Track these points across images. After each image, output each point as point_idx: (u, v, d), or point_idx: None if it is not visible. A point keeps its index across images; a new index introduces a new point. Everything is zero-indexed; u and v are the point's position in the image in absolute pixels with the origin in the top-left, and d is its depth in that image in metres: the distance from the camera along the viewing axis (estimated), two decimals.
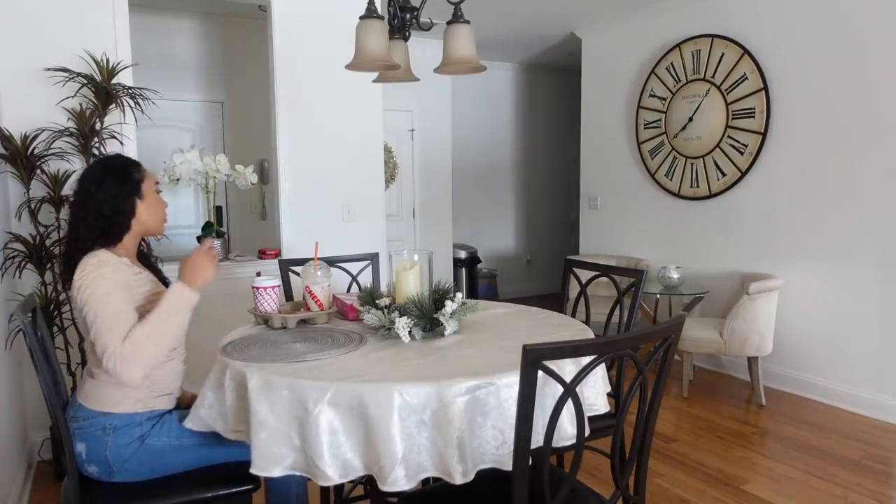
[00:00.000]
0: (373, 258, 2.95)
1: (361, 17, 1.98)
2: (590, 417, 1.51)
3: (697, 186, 4.61)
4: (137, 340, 1.63)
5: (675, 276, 4.28)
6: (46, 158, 2.93)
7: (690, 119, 4.59)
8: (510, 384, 1.45)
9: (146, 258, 1.99)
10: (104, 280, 1.67)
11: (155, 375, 1.80)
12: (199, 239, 3.54)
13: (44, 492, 2.82)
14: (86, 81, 2.98)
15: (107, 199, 1.78)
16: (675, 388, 4.11)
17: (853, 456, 3.11)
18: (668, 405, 3.84)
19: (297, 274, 2.44)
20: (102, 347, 1.63)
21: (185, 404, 1.95)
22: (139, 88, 3.11)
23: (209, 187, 3.37)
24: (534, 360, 1.18)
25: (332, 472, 1.42)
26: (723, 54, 4.32)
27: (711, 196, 4.51)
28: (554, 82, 7.58)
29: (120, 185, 1.81)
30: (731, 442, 3.30)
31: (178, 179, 3.30)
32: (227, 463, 1.82)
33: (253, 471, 1.47)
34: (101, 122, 3.01)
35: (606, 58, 5.44)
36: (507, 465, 1.39)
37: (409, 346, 1.77)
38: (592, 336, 1.83)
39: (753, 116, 4.16)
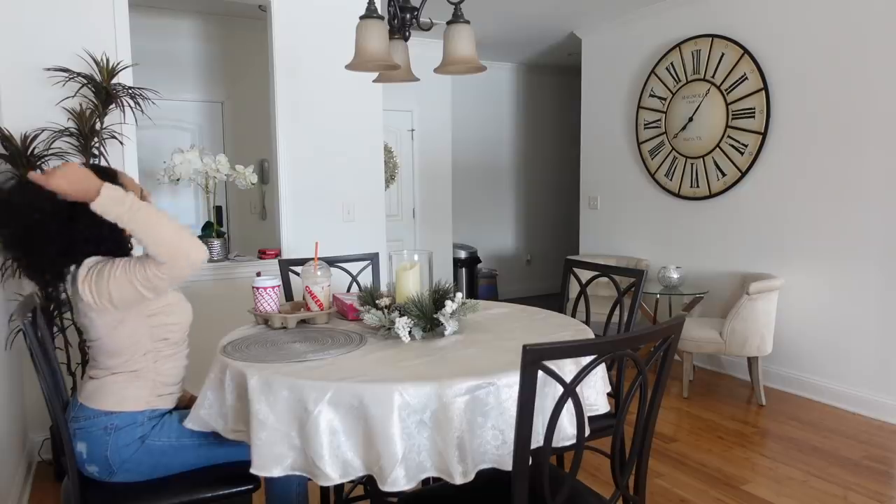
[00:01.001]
0: (373, 258, 2.95)
1: (361, 17, 1.98)
2: (590, 417, 1.51)
3: (697, 186, 4.61)
4: (165, 247, 1.62)
5: (675, 276, 4.28)
6: (46, 158, 2.93)
7: (690, 119, 4.59)
8: (510, 384, 1.45)
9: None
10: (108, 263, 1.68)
11: (160, 368, 1.80)
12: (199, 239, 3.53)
13: (44, 492, 2.82)
14: (86, 81, 2.98)
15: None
16: (675, 388, 4.11)
17: (853, 456, 3.11)
18: (668, 405, 3.84)
19: (297, 274, 2.44)
20: (153, 275, 1.64)
21: (184, 404, 1.96)
22: (139, 88, 3.10)
23: (209, 187, 3.37)
24: (534, 360, 1.18)
25: (332, 472, 1.42)
26: (723, 54, 4.32)
27: (711, 196, 4.51)
28: (554, 82, 7.58)
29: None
30: (731, 442, 3.30)
31: (178, 179, 3.30)
32: (227, 463, 1.82)
33: (253, 471, 1.47)
34: (101, 122, 3.01)
35: (606, 58, 5.44)
36: (507, 465, 1.39)
37: (409, 347, 1.77)
38: (592, 336, 1.83)
39: (753, 116, 4.16)
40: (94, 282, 1.66)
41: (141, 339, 1.75)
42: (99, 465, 1.72)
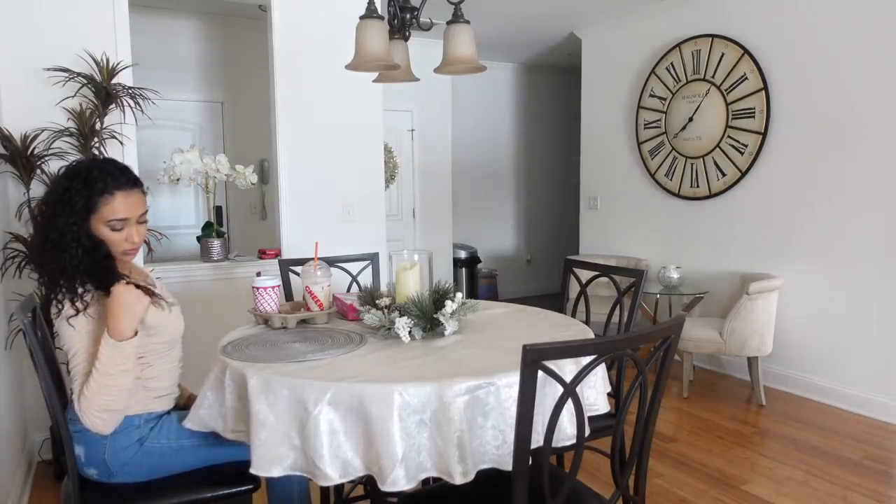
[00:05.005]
0: (373, 258, 2.95)
1: (361, 17, 1.98)
2: (590, 417, 1.51)
3: (697, 186, 4.61)
4: (88, 399, 1.61)
5: (675, 276, 4.28)
6: (46, 158, 2.93)
7: (690, 119, 4.59)
8: (510, 384, 1.45)
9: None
10: (69, 328, 1.64)
11: (151, 380, 1.79)
12: (199, 239, 3.54)
13: (44, 492, 2.82)
14: (86, 81, 2.98)
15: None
16: (675, 388, 4.11)
17: (853, 456, 3.11)
18: (668, 405, 3.84)
19: (297, 274, 2.43)
20: (73, 393, 1.66)
21: (184, 403, 1.95)
22: (139, 88, 3.10)
23: (209, 187, 3.37)
24: (534, 360, 1.18)
25: (332, 472, 1.42)
26: (723, 54, 4.32)
27: (711, 196, 4.51)
28: (554, 82, 7.58)
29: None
30: (731, 442, 3.30)
31: (178, 179, 3.30)
32: (227, 463, 1.82)
33: (253, 471, 1.47)
34: (101, 122, 3.01)
35: (606, 58, 5.44)
36: (508, 465, 1.39)
37: (409, 346, 1.77)
38: (592, 336, 1.83)
39: (753, 116, 4.16)
40: (59, 330, 1.66)
41: None
42: (98, 467, 1.71)
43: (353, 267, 2.96)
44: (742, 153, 4.26)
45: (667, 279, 4.29)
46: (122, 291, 1.62)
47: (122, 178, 1.70)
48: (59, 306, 1.64)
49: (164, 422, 1.80)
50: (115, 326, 1.61)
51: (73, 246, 1.62)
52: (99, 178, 1.65)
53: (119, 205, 1.67)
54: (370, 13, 1.97)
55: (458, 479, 1.39)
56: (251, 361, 1.63)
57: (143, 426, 1.75)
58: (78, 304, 1.63)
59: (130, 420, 1.73)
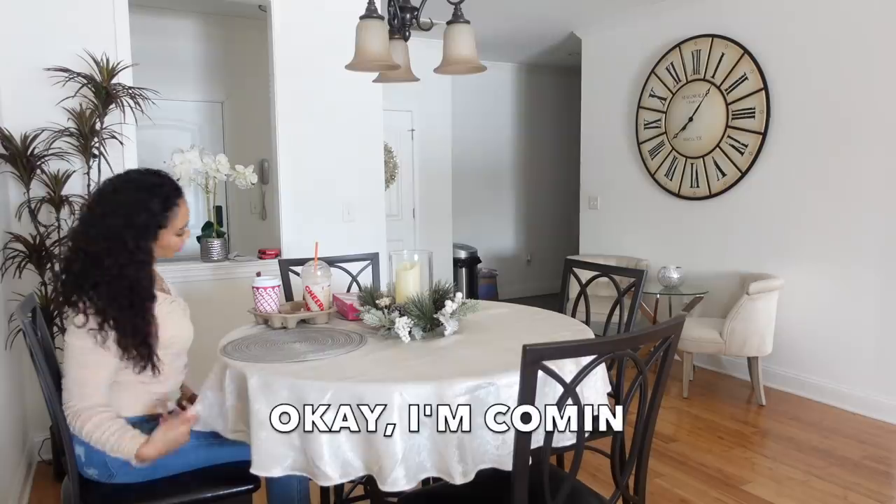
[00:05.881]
0: (373, 258, 2.95)
1: (361, 17, 1.98)
2: None
3: (697, 186, 4.61)
4: (83, 429, 1.62)
5: (675, 276, 4.28)
6: (46, 158, 2.93)
7: (690, 119, 4.59)
8: (510, 384, 1.45)
9: None
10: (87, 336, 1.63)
11: (154, 384, 1.79)
12: (199, 239, 3.53)
13: (44, 492, 2.82)
14: (86, 81, 2.98)
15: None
16: (675, 388, 4.11)
17: (853, 456, 3.11)
18: (668, 405, 3.84)
19: (297, 274, 2.44)
20: (65, 400, 1.65)
21: (185, 401, 1.95)
22: (139, 88, 3.10)
23: (209, 187, 3.37)
24: (534, 360, 1.18)
25: (332, 472, 1.42)
26: (723, 54, 4.32)
27: (711, 196, 4.51)
28: (554, 82, 7.58)
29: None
30: (731, 442, 3.30)
31: (178, 179, 3.27)
32: (227, 463, 1.81)
33: (253, 471, 1.47)
34: (101, 122, 3.01)
35: (606, 58, 5.44)
36: (507, 465, 1.39)
37: (409, 347, 1.77)
38: (592, 336, 1.83)
39: (753, 116, 4.16)
40: (66, 343, 1.65)
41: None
42: (98, 467, 1.71)
43: (353, 267, 2.96)
44: (742, 153, 4.26)
45: (667, 279, 4.29)
46: (180, 433, 1.64)
47: (176, 185, 1.79)
48: (83, 316, 1.63)
49: None
50: (149, 454, 1.62)
51: (131, 261, 1.66)
52: (171, 191, 1.74)
53: (183, 211, 1.78)
54: (370, 13, 1.98)
55: (458, 479, 1.39)
56: (251, 361, 1.63)
57: (144, 427, 1.75)
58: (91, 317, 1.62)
59: (130, 421, 1.73)
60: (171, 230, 1.75)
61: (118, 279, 1.64)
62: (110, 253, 1.64)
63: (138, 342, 1.67)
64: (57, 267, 2.94)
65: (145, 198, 1.69)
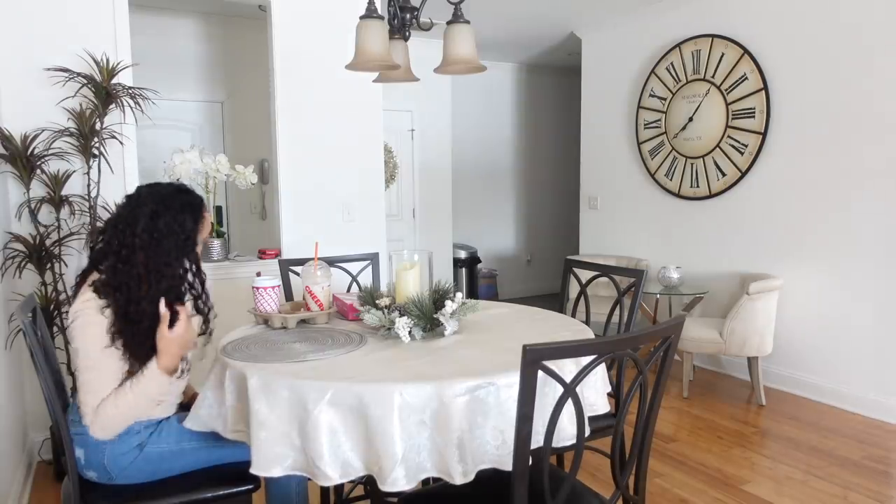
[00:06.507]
0: (373, 258, 2.95)
1: (361, 17, 1.98)
2: (590, 417, 1.51)
3: (697, 186, 4.61)
4: (107, 415, 1.63)
5: (675, 276, 4.28)
6: (46, 158, 2.93)
7: (690, 119, 4.59)
8: (510, 384, 1.45)
9: None
10: (94, 328, 1.64)
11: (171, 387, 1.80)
12: None
13: (44, 492, 2.82)
14: (86, 81, 2.98)
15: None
16: (675, 388, 4.11)
17: (853, 456, 3.11)
18: (668, 405, 3.84)
19: (297, 274, 2.44)
20: (80, 403, 1.66)
21: (187, 400, 1.95)
22: (139, 88, 3.10)
23: (209, 187, 3.37)
24: (534, 360, 1.18)
25: (332, 472, 1.42)
26: (723, 54, 4.32)
27: (711, 196, 4.51)
28: (554, 82, 7.58)
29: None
30: (731, 442, 3.30)
31: (178, 179, 3.30)
32: (227, 463, 1.81)
33: (253, 471, 1.47)
34: (101, 122, 3.01)
35: (606, 58, 5.44)
36: (507, 465, 1.39)
37: (409, 347, 1.77)
38: (592, 336, 1.83)
39: (753, 116, 4.16)
40: (74, 325, 1.65)
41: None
42: (97, 470, 1.71)
43: (353, 267, 2.96)
44: (742, 153, 4.26)
45: (667, 279, 4.29)
46: (186, 328, 1.70)
47: (201, 198, 1.86)
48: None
49: (164, 426, 1.79)
50: (170, 362, 1.68)
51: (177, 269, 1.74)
52: (200, 206, 1.82)
53: (208, 221, 1.86)
54: (370, 13, 1.98)
55: (458, 480, 1.39)
56: (251, 361, 1.63)
57: (143, 432, 1.74)
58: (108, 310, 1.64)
59: (131, 426, 1.73)
60: (199, 243, 1.83)
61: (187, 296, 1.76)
62: (176, 278, 1.73)
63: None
64: (57, 268, 2.95)
65: (183, 217, 1.75)
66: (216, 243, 3.48)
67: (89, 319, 1.63)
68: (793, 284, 4.00)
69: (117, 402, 1.64)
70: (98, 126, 3.00)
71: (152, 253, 1.69)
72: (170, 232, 1.71)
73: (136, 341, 1.67)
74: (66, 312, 2.94)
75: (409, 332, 1.80)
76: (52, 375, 1.69)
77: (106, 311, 1.64)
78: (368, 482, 1.62)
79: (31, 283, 2.96)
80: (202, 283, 1.83)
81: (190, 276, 1.78)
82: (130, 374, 1.69)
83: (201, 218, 1.81)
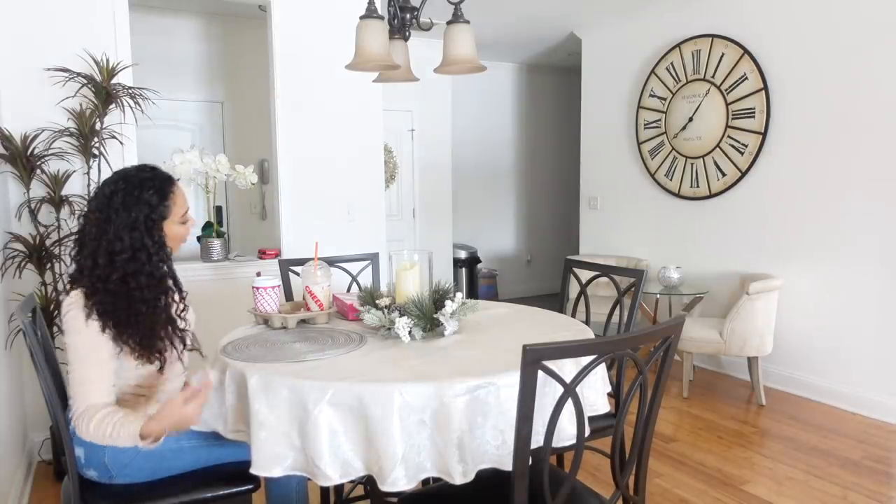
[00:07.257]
0: (373, 258, 2.95)
1: (361, 17, 1.98)
2: (590, 417, 1.51)
3: (697, 186, 4.61)
4: (86, 431, 1.57)
5: (675, 276, 4.28)
6: (46, 158, 2.93)
7: (690, 119, 4.59)
8: (510, 384, 1.45)
9: None
10: (86, 332, 1.61)
11: (165, 385, 1.80)
12: (199, 239, 3.54)
13: (44, 492, 2.82)
14: (86, 81, 2.98)
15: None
16: (675, 388, 4.11)
17: (853, 456, 3.11)
18: (668, 405, 3.84)
19: (297, 274, 2.44)
20: (70, 404, 1.64)
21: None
22: (139, 88, 3.11)
23: (209, 187, 3.37)
24: (534, 360, 1.18)
25: (332, 472, 1.42)
26: (723, 54, 4.32)
27: (711, 196, 4.51)
28: (554, 82, 7.58)
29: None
30: (731, 442, 3.30)
31: (178, 179, 3.29)
32: (227, 463, 1.81)
33: (253, 471, 1.47)
34: (101, 122, 3.01)
35: (606, 58, 5.44)
36: (507, 465, 1.39)
37: (409, 347, 1.77)
38: (592, 336, 1.83)
39: (753, 116, 4.16)
40: (64, 323, 1.63)
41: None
42: (98, 469, 1.71)
43: (353, 267, 2.96)
44: (742, 153, 4.26)
45: (667, 279, 4.29)
46: (187, 414, 1.52)
47: (167, 175, 1.79)
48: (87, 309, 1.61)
49: None
50: (157, 427, 1.52)
51: (143, 253, 1.68)
52: (163, 182, 1.74)
53: (181, 198, 1.78)
54: (370, 13, 1.98)
55: (458, 479, 1.39)
56: (251, 361, 1.63)
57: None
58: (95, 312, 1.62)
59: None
60: (173, 220, 1.75)
61: (145, 276, 1.68)
62: (128, 255, 1.66)
63: (156, 337, 1.69)
64: (57, 268, 2.95)
65: (140, 193, 1.69)
66: (216, 243, 3.48)
67: (73, 314, 1.62)
68: (793, 284, 4.00)
69: (98, 427, 1.55)
70: (98, 126, 3.00)
71: (104, 229, 1.65)
72: (125, 207, 1.66)
73: (111, 311, 1.63)
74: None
75: (409, 332, 1.80)
76: (52, 375, 1.69)
77: (88, 302, 1.62)
78: (368, 482, 1.62)
79: (31, 283, 2.97)
80: (182, 297, 1.78)
81: (170, 282, 1.74)
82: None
83: (170, 193, 1.74)
